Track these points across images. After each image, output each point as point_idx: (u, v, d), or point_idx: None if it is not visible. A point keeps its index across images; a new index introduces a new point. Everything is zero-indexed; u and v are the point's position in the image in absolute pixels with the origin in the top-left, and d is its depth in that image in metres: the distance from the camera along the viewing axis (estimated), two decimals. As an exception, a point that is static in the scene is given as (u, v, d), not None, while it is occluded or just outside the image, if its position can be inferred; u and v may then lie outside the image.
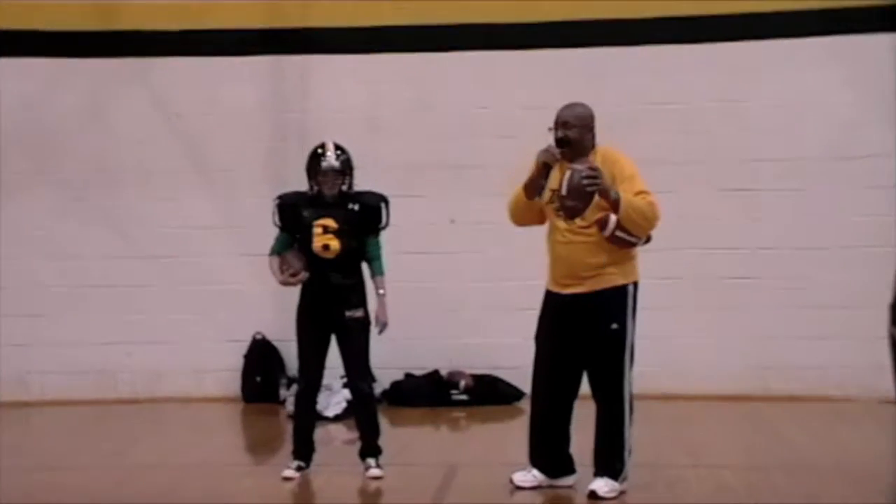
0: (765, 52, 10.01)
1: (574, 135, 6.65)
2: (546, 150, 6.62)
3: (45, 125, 10.41)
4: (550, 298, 6.81)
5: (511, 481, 6.89)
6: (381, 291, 7.28)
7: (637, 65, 10.11)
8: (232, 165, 10.41)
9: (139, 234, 10.40)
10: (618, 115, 10.00)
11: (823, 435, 8.76)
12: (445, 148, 10.27)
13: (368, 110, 10.35)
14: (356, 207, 7.18)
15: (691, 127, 10.07)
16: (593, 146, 6.73)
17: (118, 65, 10.39)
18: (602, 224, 6.53)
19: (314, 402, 7.39)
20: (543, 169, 6.64)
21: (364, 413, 7.36)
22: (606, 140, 9.13)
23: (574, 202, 6.45)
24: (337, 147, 7.27)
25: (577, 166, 6.46)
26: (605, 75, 10.12)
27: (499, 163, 9.66)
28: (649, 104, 10.10)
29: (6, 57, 10.31)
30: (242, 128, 10.40)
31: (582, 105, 6.79)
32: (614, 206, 6.46)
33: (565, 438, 6.81)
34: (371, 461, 7.25)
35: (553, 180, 6.67)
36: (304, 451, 7.32)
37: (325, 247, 7.13)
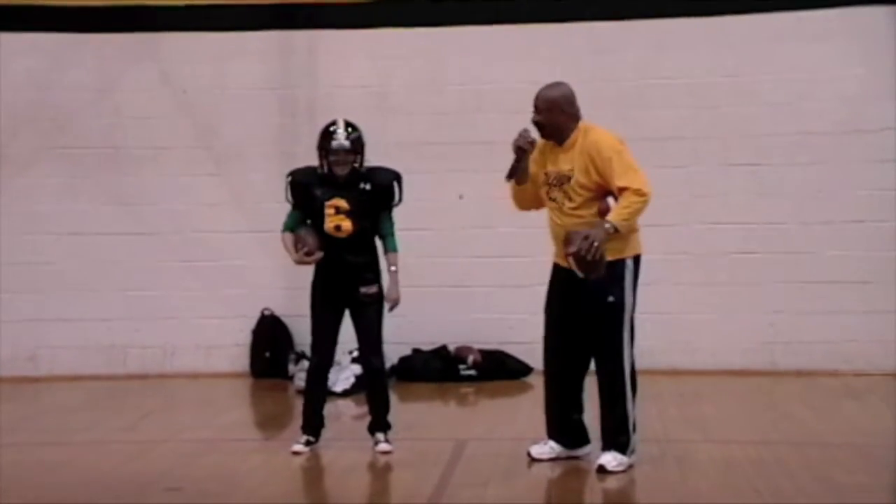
0: (773, 26, 9.96)
1: (543, 118, 6.69)
2: (519, 136, 6.68)
3: (53, 101, 10.41)
4: (555, 270, 6.87)
5: (528, 454, 6.96)
6: (393, 268, 7.26)
7: (644, 39, 10.08)
8: (240, 141, 10.40)
9: (148, 210, 10.41)
10: (625, 90, 10.04)
11: (831, 410, 8.77)
12: (453, 124, 10.25)
13: (377, 86, 10.34)
14: (368, 187, 7.14)
15: (699, 102, 10.04)
16: (575, 125, 6.70)
17: (126, 40, 10.38)
18: (603, 214, 6.60)
19: (326, 378, 7.42)
20: (519, 153, 6.70)
21: (375, 389, 7.38)
22: (613, 116, 9.13)
23: (595, 272, 6.47)
24: (348, 125, 7.20)
25: (571, 248, 6.44)
26: (612, 50, 10.10)
27: (507, 139, 9.54)
28: (657, 79, 10.08)
29: (13, 32, 10.30)
30: (251, 104, 10.39)
31: (556, 86, 6.77)
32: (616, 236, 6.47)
33: (577, 408, 6.86)
34: (380, 436, 7.28)
35: (547, 163, 6.72)
36: (313, 425, 7.36)
37: (338, 227, 7.12)
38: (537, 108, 6.72)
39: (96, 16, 10.31)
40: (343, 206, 7.11)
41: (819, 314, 9.93)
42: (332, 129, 7.17)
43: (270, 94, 10.41)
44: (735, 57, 10.03)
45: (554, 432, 6.94)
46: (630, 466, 6.68)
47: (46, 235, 10.41)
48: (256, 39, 10.38)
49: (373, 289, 7.19)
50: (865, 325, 9.82)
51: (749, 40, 10.00)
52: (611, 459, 6.65)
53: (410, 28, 10.29)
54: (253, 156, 10.33)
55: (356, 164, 7.16)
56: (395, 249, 7.28)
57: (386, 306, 7.28)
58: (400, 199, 7.28)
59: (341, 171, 7.11)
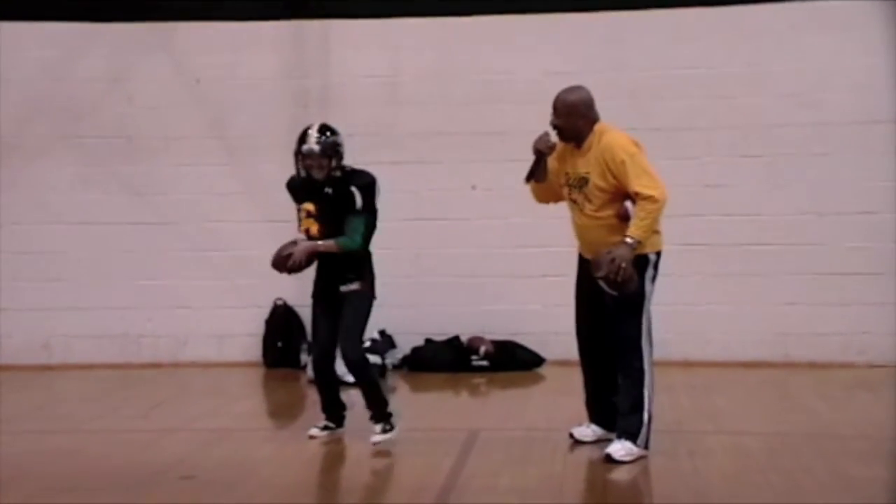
0: (788, 16, 9.91)
1: (561, 122, 6.75)
2: (539, 139, 6.76)
3: (67, 91, 10.42)
4: (580, 261, 6.98)
5: (571, 435, 7.07)
6: (320, 243, 7.09)
7: (658, 30, 10.04)
8: (253, 131, 10.40)
9: (161, 200, 10.42)
10: (640, 80, 10.01)
11: (845, 402, 8.75)
12: (466, 114, 10.24)
13: (389, 76, 10.33)
14: (330, 191, 7.12)
15: (713, 92, 10.00)
16: (591, 129, 6.75)
17: (139, 30, 10.38)
18: (622, 217, 6.70)
19: (329, 367, 7.35)
20: (538, 156, 6.80)
21: (357, 381, 7.33)
22: (627, 107, 9.12)
23: (627, 288, 6.54)
24: (323, 129, 7.14)
25: (600, 273, 6.53)
26: (627, 40, 10.07)
27: (520, 129, 9.56)
28: (671, 69, 10.03)
29: (27, 22, 10.31)
30: (263, 94, 10.39)
31: (575, 90, 6.81)
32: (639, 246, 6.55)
33: (613, 390, 6.88)
34: (375, 427, 7.25)
35: (567, 165, 6.78)
36: (329, 411, 7.39)
37: (307, 231, 7.17)
38: (556, 112, 6.78)
39: (110, 6, 10.32)
40: (311, 210, 7.15)
41: (833, 306, 9.90)
42: (305, 133, 7.14)
43: (283, 84, 10.41)
44: (750, 47, 9.99)
45: (593, 415, 7.08)
46: (641, 457, 6.67)
47: (59, 225, 10.44)
48: (269, 29, 10.38)
49: (353, 286, 7.15)
50: (880, 316, 9.79)
51: (764, 30, 9.96)
52: (619, 448, 6.68)
53: (423, 18, 10.27)
54: (265, 146, 10.32)
55: (332, 169, 7.11)
56: (339, 240, 7.08)
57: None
58: (366, 205, 7.10)
59: (317, 174, 7.10)
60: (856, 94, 9.85)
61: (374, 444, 7.17)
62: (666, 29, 10.03)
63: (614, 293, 6.59)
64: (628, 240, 6.51)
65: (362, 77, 10.28)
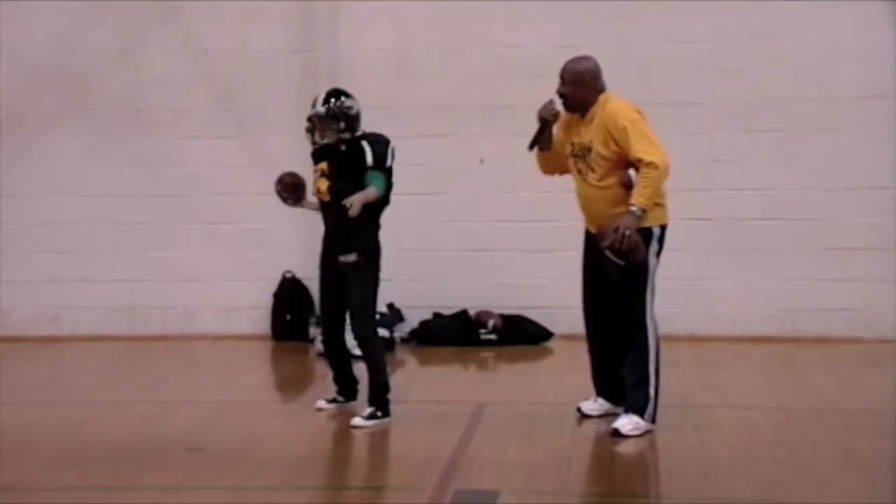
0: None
1: (567, 91, 6.74)
2: (544, 106, 6.77)
3: (75, 64, 10.42)
4: (586, 235, 6.98)
5: (578, 409, 7.09)
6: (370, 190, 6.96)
7: (667, 3, 10.00)
8: (261, 104, 10.40)
9: (169, 172, 10.43)
10: (649, 54, 9.98)
11: (852, 377, 8.76)
12: (475, 88, 10.22)
13: (398, 50, 10.31)
14: (343, 148, 7.12)
15: (722, 66, 9.97)
16: (596, 98, 6.73)
17: (148, 3, 10.37)
18: (626, 186, 6.68)
19: (337, 338, 7.33)
20: (542, 123, 6.80)
21: (363, 357, 7.26)
22: (635, 81, 9.09)
23: (634, 257, 6.54)
24: (332, 94, 7.17)
25: (605, 243, 6.50)
26: (635, 13, 10.03)
27: (528, 103, 9.50)
28: (679, 43, 10.01)
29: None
30: (272, 66, 10.38)
31: (583, 60, 6.79)
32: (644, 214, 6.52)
33: (619, 364, 6.89)
34: (367, 410, 7.08)
35: (572, 135, 6.77)
36: (340, 384, 7.39)
37: (318, 189, 7.18)
38: (563, 80, 6.78)
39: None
40: (324, 169, 7.15)
41: (840, 281, 9.89)
42: (315, 98, 7.20)
43: (292, 56, 10.39)
44: (759, 20, 9.94)
45: (600, 388, 7.08)
46: (648, 432, 6.69)
47: (68, 196, 10.45)
48: (277, 2, 10.35)
49: (350, 257, 7.06)
50: (887, 292, 9.78)
51: (773, 4, 9.91)
52: (626, 423, 6.69)
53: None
54: (274, 119, 10.33)
55: (341, 131, 7.11)
56: (369, 189, 6.94)
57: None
58: (380, 162, 7.02)
59: (322, 138, 7.12)
60: (865, 70, 9.81)
61: (353, 426, 6.96)
62: (674, 3, 9.99)
63: (621, 262, 6.56)
64: (632, 208, 6.49)
65: (371, 50, 10.27)
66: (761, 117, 9.95)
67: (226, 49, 10.40)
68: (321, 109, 7.12)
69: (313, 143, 7.21)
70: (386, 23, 10.33)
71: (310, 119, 7.17)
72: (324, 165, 7.16)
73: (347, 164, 7.07)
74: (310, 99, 7.26)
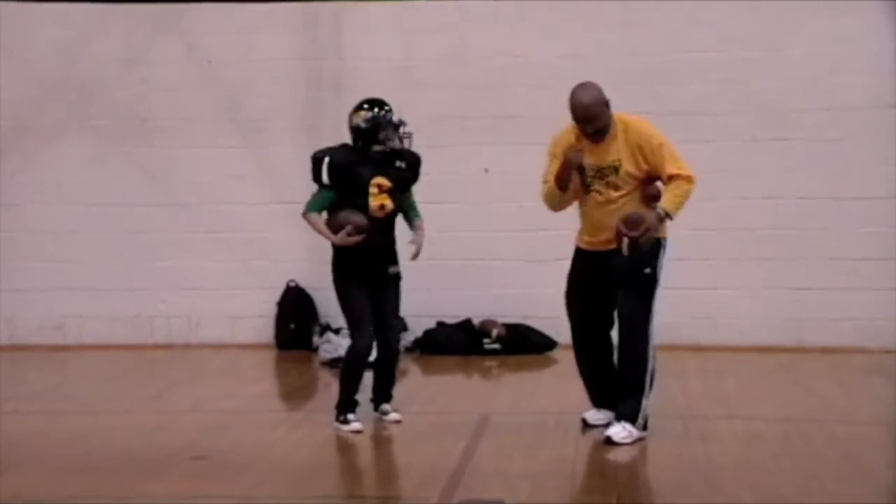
0: (803, 1, 9.86)
1: (595, 126, 6.68)
2: (576, 153, 6.69)
3: (80, 72, 10.44)
4: (579, 253, 6.98)
5: (583, 420, 7.08)
6: (420, 223, 7.25)
7: (673, 13, 10.00)
8: (266, 113, 10.41)
9: (174, 181, 10.44)
10: (654, 64, 9.98)
11: (858, 387, 8.73)
12: (480, 97, 10.22)
13: (403, 59, 10.31)
14: (403, 165, 7.11)
15: (728, 77, 9.96)
16: (611, 118, 6.73)
17: (153, 11, 10.38)
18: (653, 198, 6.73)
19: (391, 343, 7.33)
20: (567, 164, 6.71)
21: (390, 366, 7.30)
22: (641, 90, 9.08)
23: (639, 252, 6.60)
24: (381, 102, 7.19)
25: (634, 233, 6.53)
26: (641, 24, 10.03)
27: (533, 113, 9.63)
28: (685, 53, 10.00)
29: (41, 2, 10.31)
30: (276, 76, 10.39)
31: (590, 89, 6.69)
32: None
33: (614, 372, 6.90)
34: (387, 407, 7.31)
35: (586, 155, 6.74)
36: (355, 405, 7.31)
37: (381, 206, 7.03)
38: (589, 119, 6.66)
39: (123, -13, 10.33)
40: (385, 185, 7.04)
41: (847, 290, 9.87)
42: (381, 108, 7.07)
43: (296, 66, 10.40)
44: (765, 30, 9.94)
45: (600, 400, 7.07)
46: (640, 439, 6.70)
47: (73, 206, 10.47)
48: (282, 11, 10.36)
49: (398, 268, 7.19)
50: (894, 302, 9.75)
51: (780, 13, 9.90)
52: (619, 430, 6.72)
53: (437, 1, 10.24)
54: (278, 128, 10.33)
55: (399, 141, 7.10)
56: (420, 216, 7.31)
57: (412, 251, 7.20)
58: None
59: (395, 145, 7.03)
60: (871, 79, 9.80)
61: (396, 421, 7.24)
62: (680, 13, 9.99)
63: (626, 252, 6.58)
64: (661, 211, 6.59)
65: (376, 59, 10.27)
66: (767, 127, 9.94)
67: (231, 58, 10.41)
68: (400, 118, 7.08)
69: (376, 149, 7.03)
70: (391, 32, 10.33)
71: (391, 126, 7.03)
72: (383, 181, 7.02)
73: (406, 181, 7.14)
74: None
